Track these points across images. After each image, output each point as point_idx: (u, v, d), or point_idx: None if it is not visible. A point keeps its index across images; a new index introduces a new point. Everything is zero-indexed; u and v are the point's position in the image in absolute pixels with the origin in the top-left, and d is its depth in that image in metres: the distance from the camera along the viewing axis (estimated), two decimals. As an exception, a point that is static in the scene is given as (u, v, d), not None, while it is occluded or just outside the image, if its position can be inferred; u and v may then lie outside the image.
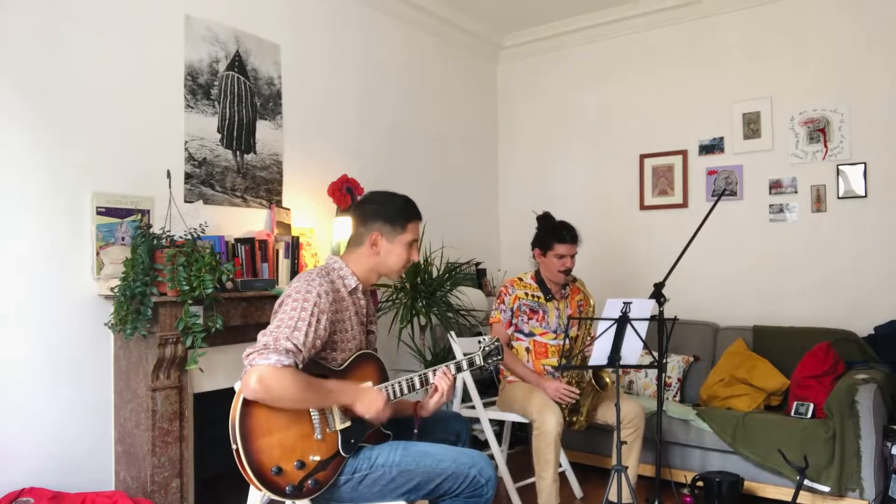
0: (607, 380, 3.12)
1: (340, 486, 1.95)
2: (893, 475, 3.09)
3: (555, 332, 3.31)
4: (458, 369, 2.22)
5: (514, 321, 3.32)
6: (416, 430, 2.19)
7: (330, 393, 1.92)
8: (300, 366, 1.86)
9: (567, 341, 3.20)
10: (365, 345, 2.17)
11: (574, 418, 3.19)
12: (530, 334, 3.31)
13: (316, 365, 1.99)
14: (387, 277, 2.26)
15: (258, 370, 1.79)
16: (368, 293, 2.24)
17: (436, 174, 4.70)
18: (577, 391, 3.12)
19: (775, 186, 4.14)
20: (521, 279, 3.39)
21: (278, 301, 2.00)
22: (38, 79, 2.64)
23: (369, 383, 2.07)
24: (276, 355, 1.81)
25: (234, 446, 1.82)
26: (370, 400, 1.97)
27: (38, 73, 2.64)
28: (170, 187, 2.95)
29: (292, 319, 1.88)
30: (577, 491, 3.50)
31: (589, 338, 3.21)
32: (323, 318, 1.94)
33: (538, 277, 3.37)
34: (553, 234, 3.27)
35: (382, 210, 2.18)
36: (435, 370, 2.16)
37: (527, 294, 3.33)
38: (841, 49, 3.95)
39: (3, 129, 2.55)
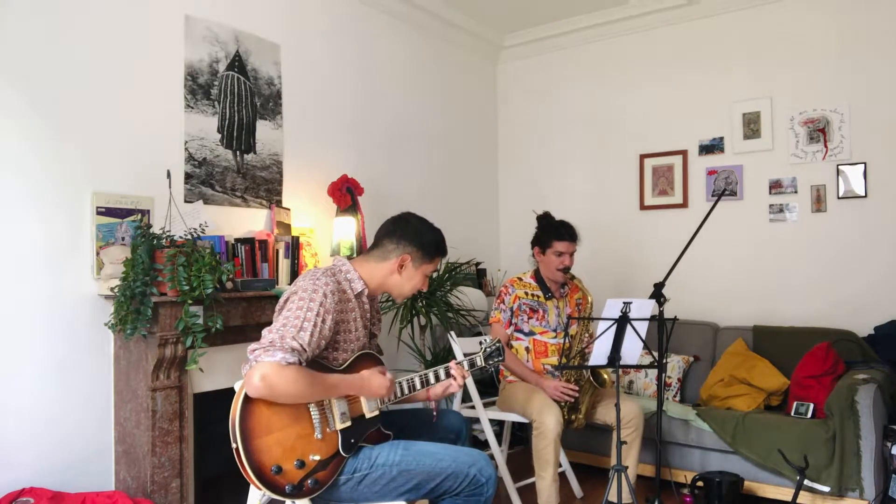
0: (605, 377, 3.13)
1: (340, 485, 1.95)
2: (893, 475, 3.09)
3: (554, 330, 3.32)
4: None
5: (514, 321, 3.33)
6: (434, 413, 2.25)
7: (334, 388, 1.94)
8: (303, 364, 1.87)
9: (567, 340, 3.21)
10: (368, 347, 2.18)
11: (573, 416, 3.19)
12: (530, 333, 3.31)
13: (317, 364, 1.99)
14: (390, 295, 2.28)
15: (262, 367, 1.79)
16: (373, 298, 2.25)
17: (436, 174, 4.70)
18: (577, 388, 3.13)
19: (775, 186, 4.14)
20: (520, 279, 3.41)
21: (283, 297, 2.00)
22: (38, 78, 2.64)
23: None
24: (281, 353, 1.81)
25: (233, 445, 1.82)
26: (377, 386, 2.02)
27: (37, 72, 2.64)
28: (170, 187, 2.95)
29: (298, 319, 1.89)
30: (577, 491, 3.50)
31: (587, 335, 3.22)
32: (328, 318, 1.95)
33: (537, 276, 3.39)
34: (552, 232, 3.30)
35: (420, 236, 2.20)
36: (436, 370, 2.17)
37: (527, 293, 3.34)
38: (841, 49, 3.95)
39: (3, 129, 2.55)
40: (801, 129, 4.06)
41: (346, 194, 3.64)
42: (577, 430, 3.28)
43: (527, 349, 3.32)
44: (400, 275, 2.18)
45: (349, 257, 2.78)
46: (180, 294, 2.55)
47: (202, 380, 2.87)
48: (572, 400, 3.14)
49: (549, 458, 3.01)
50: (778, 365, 3.65)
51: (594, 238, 4.68)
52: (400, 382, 2.14)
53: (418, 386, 2.17)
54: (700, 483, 3.24)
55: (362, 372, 2.03)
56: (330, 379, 1.93)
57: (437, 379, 2.19)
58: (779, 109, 4.13)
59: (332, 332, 1.98)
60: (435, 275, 4.01)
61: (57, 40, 2.69)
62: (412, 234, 2.19)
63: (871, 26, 3.86)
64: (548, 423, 2.99)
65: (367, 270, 2.17)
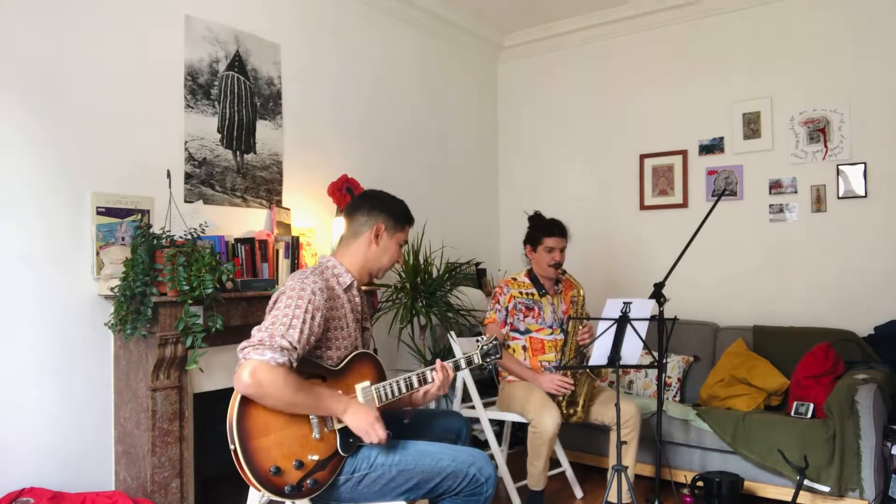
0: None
1: (340, 485, 1.95)
2: (893, 475, 3.09)
3: (550, 327, 3.34)
4: (457, 368, 2.22)
5: (510, 320, 3.34)
6: (405, 421, 2.18)
7: (320, 399, 1.91)
8: (294, 364, 1.86)
9: (564, 336, 3.23)
10: (360, 343, 2.17)
11: (572, 410, 3.20)
12: (526, 331, 3.32)
13: (312, 364, 1.99)
14: (374, 277, 2.26)
15: (251, 365, 1.79)
16: (362, 291, 2.24)
17: (436, 174, 4.70)
18: (572, 381, 3.15)
19: (775, 186, 4.14)
20: (514, 279, 3.43)
21: (272, 299, 2.00)
22: (38, 78, 2.64)
23: (367, 383, 2.06)
24: (270, 352, 1.81)
25: (231, 446, 1.82)
26: (361, 414, 1.94)
27: (37, 72, 2.64)
28: (170, 187, 2.95)
29: (287, 317, 1.89)
30: (578, 491, 3.50)
31: (583, 326, 3.23)
32: (318, 316, 1.94)
33: (531, 275, 3.41)
34: (542, 229, 3.35)
35: (388, 206, 2.23)
36: (433, 369, 2.16)
37: (521, 292, 3.36)
38: (841, 49, 3.94)
39: (3, 130, 2.55)
40: (801, 129, 4.06)
41: (345, 194, 3.65)
42: (577, 424, 3.28)
43: (524, 348, 3.33)
44: (377, 245, 2.19)
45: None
46: (180, 294, 2.55)
47: (202, 380, 2.87)
48: (569, 392, 3.15)
49: (542, 452, 3.04)
50: (778, 365, 3.65)
51: (594, 238, 4.68)
52: (380, 388, 2.07)
53: (404, 390, 2.10)
54: (700, 483, 3.24)
55: (363, 404, 1.99)
56: (317, 390, 1.91)
57: (422, 382, 2.13)
58: (779, 109, 4.13)
59: (323, 329, 1.97)
60: (435, 274, 4.02)
61: (56, 40, 2.70)
62: (381, 203, 2.22)
63: (871, 26, 3.86)
64: (546, 425, 3.00)
65: (349, 255, 2.18)
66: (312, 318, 1.92)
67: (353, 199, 2.29)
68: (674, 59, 4.53)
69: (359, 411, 1.94)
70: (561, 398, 3.17)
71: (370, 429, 1.93)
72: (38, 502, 2.43)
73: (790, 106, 4.08)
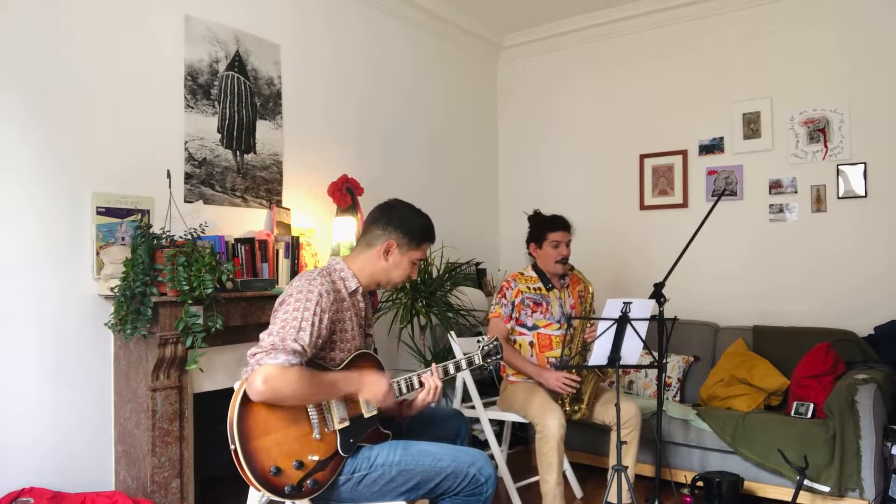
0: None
1: (340, 485, 1.95)
2: (893, 475, 3.09)
3: (558, 322, 3.31)
4: (458, 368, 2.23)
5: (517, 315, 3.31)
6: (405, 428, 2.19)
7: (334, 385, 1.94)
8: (303, 365, 1.87)
9: (570, 332, 3.21)
10: (364, 346, 2.18)
11: (577, 406, 3.18)
12: (534, 327, 3.30)
13: (315, 365, 1.99)
14: (381, 287, 2.27)
15: (265, 370, 1.79)
16: (368, 296, 2.24)
17: (436, 174, 4.70)
18: (579, 379, 3.13)
19: (775, 186, 4.14)
20: (522, 273, 3.40)
21: (279, 300, 2.00)
22: (38, 79, 2.64)
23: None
24: (284, 355, 1.82)
25: (232, 447, 1.82)
26: (373, 384, 2.00)
27: (37, 73, 2.64)
28: (170, 187, 2.95)
29: (296, 319, 1.89)
30: (577, 491, 3.50)
31: (590, 325, 3.21)
32: (325, 318, 1.95)
33: (537, 269, 3.38)
34: (546, 224, 3.33)
35: (405, 221, 2.20)
36: (409, 378, 2.15)
37: (529, 287, 3.34)
38: (841, 49, 3.94)
39: (3, 130, 2.55)
40: (801, 129, 4.06)
41: (346, 194, 3.64)
42: (578, 423, 3.27)
43: (531, 343, 3.31)
44: (386, 261, 2.17)
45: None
46: (180, 294, 2.55)
47: (202, 380, 2.87)
48: (574, 391, 3.14)
49: (552, 461, 2.97)
50: (778, 365, 3.65)
51: (594, 238, 4.68)
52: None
53: (405, 390, 2.12)
54: (700, 483, 3.24)
55: (373, 373, 2.03)
56: (329, 377, 1.94)
57: (411, 388, 2.14)
58: (779, 109, 4.13)
59: (329, 331, 1.99)
60: (435, 274, 4.02)
61: (56, 40, 2.69)
62: (398, 220, 2.19)
63: (871, 26, 3.86)
64: (550, 427, 2.96)
65: (359, 263, 2.18)
66: (320, 320, 1.93)
67: (375, 207, 2.25)
68: (674, 58, 4.53)
69: (369, 383, 2.01)
70: (566, 396, 3.16)
71: (386, 400, 2.03)
72: (38, 502, 2.43)
73: (790, 106, 4.09)
